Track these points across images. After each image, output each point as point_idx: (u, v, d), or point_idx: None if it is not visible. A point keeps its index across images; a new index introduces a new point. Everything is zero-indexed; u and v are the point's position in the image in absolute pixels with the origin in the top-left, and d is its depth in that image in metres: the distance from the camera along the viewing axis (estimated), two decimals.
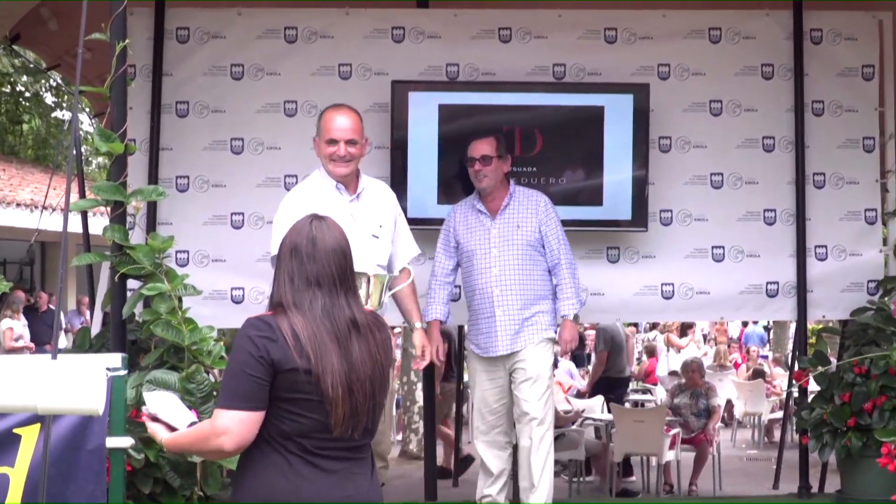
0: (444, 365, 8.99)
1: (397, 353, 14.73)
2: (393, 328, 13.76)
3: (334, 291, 3.47)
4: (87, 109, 10.04)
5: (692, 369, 12.21)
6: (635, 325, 32.63)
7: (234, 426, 3.32)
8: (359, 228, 5.64)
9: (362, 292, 5.14)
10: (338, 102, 6.15)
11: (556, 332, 6.98)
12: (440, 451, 11.23)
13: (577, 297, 6.96)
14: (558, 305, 6.95)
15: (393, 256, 6.09)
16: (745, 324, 25.25)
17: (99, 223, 6.09)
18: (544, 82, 8.03)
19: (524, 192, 7.00)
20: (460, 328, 9.60)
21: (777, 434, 14.25)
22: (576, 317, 6.98)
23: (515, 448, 7.04)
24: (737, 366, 20.27)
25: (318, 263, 3.47)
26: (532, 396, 6.81)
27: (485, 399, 7.01)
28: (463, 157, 7.03)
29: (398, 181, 7.71)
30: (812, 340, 8.53)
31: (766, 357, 20.72)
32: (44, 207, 12.07)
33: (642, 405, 14.65)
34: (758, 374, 17.29)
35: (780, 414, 13.51)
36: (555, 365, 7.87)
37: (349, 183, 5.93)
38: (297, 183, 7.36)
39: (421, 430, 11.35)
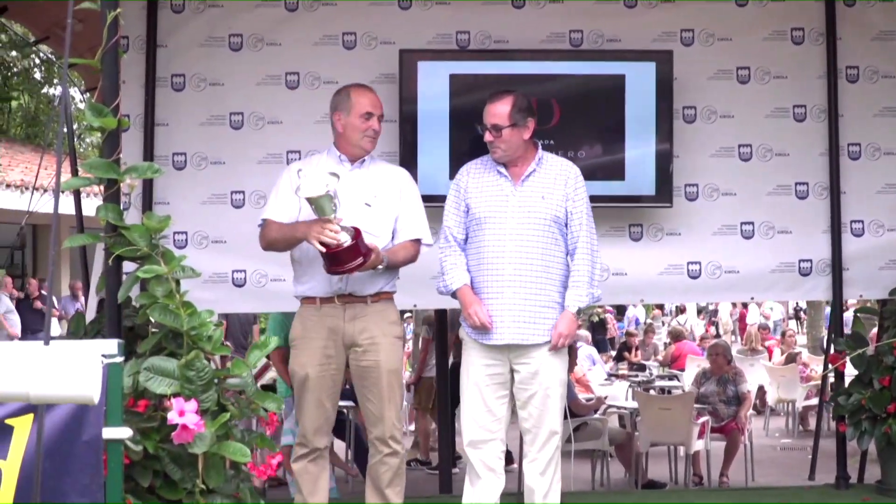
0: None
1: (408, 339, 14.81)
2: (403, 313, 13.86)
3: None
4: (79, 84, 10.03)
5: (717, 353, 12.21)
6: (661, 307, 32.67)
7: None
8: (351, 194, 6.03)
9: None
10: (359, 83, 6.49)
11: None
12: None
13: (591, 290, 6.26)
14: (567, 293, 6.25)
15: (395, 235, 6.29)
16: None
17: (92, 205, 6.11)
18: (561, 50, 8.01)
19: (554, 160, 6.40)
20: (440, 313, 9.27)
21: (812, 422, 14.26)
22: (580, 311, 6.29)
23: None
24: (769, 350, 20.27)
25: None
26: (549, 412, 6.21)
27: (482, 398, 6.26)
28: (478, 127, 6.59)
29: (407, 157, 7.72)
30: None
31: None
32: (34, 188, 12.11)
33: (668, 392, 14.66)
34: (792, 358, 17.30)
35: (815, 400, 13.50)
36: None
37: (357, 157, 6.25)
38: (299, 158, 7.51)
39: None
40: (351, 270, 5.91)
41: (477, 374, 6.30)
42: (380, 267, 6.05)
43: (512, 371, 6.28)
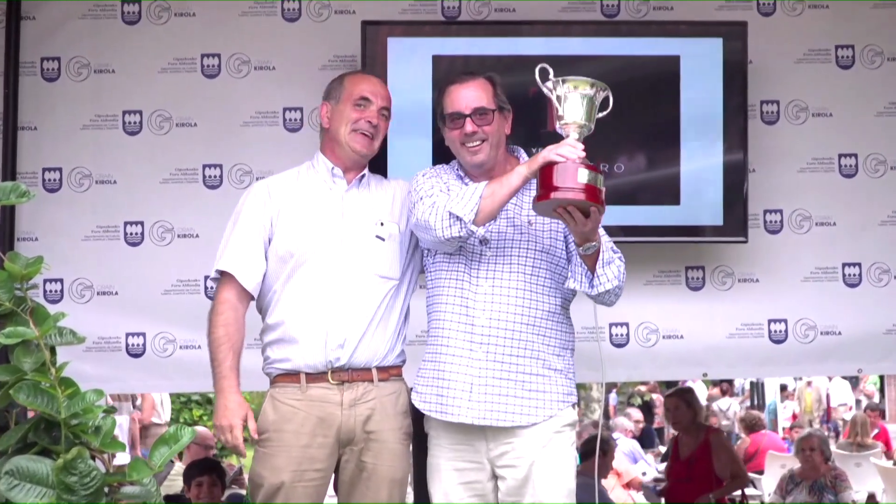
0: None
1: None
2: None
3: None
4: None
5: (809, 448, 12.21)
6: (722, 384, 31.87)
7: None
8: (351, 227, 6.03)
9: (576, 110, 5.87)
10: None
11: (574, 406, 6.17)
12: None
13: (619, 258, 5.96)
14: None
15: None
16: None
17: None
18: (589, 22, 8.07)
19: None
20: None
21: None
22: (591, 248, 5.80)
23: None
24: (887, 442, 20.30)
25: None
26: None
27: None
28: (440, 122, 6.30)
29: (376, 165, 7.69)
30: None
31: None
32: None
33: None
34: None
35: None
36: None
37: (352, 168, 6.21)
38: (221, 176, 7.52)
39: None
40: (567, 195, 5.66)
41: (446, 469, 6.12)
42: (589, 245, 5.76)
43: (493, 469, 6.06)
